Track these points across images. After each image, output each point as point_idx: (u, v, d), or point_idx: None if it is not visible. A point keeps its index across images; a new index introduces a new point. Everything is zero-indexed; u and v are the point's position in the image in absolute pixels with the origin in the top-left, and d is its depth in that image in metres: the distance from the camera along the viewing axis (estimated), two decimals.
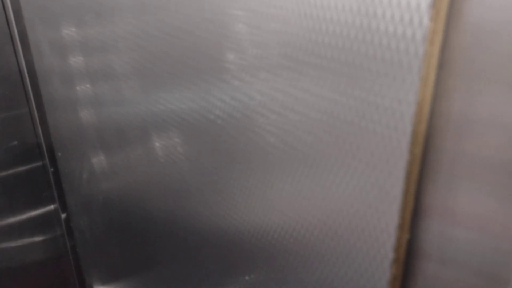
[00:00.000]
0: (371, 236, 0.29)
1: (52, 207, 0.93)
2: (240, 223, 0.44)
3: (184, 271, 0.60)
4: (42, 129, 0.84)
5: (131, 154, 0.60)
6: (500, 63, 0.22)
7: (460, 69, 0.23)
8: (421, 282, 0.29)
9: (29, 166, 0.88)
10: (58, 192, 0.90)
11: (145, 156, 0.57)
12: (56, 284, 0.98)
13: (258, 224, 0.41)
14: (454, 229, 0.27)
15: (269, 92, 0.34)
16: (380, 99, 0.25)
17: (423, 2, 0.22)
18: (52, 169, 0.88)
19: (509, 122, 0.23)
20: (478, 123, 0.24)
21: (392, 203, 0.27)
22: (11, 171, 0.86)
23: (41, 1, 0.66)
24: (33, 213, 0.91)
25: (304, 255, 0.35)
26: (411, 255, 0.29)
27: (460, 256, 0.27)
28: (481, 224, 0.26)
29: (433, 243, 0.28)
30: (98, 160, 0.69)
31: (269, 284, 0.43)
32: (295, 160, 0.34)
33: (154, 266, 0.68)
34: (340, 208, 0.31)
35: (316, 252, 0.34)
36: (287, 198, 0.36)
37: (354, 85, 0.27)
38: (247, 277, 0.47)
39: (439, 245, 0.28)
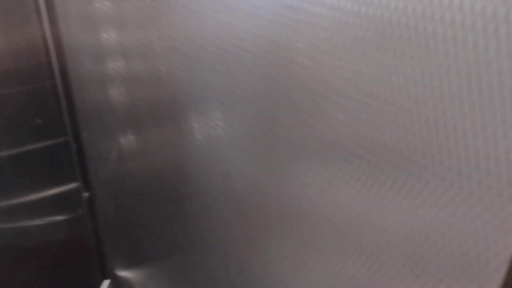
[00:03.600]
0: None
1: (74, 185, 0.90)
2: (290, 216, 0.40)
3: (212, 260, 0.57)
4: (68, 107, 0.81)
5: (164, 136, 0.56)
6: None
7: None
8: None
9: (52, 143, 0.84)
10: (81, 171, 0.87)
11: (180, 138, 0.53)
12: (77, 266, 0.96)
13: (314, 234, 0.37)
14: None
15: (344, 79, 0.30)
16: None
17: None
18: (75, 146, 0.84)
19: None
20: None
21: None
22: (33, 148, 0.83)
23: None
24: (55, 191, 0.89)
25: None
26: None
27: None
28: None
29: None
30: (127, 142, 0.66)
31: None
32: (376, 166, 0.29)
33: (180, 254, 0.65)
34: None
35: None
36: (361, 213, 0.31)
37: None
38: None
39: None
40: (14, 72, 0.76)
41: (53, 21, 0.72)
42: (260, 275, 0.47)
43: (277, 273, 0.44)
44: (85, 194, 0.90)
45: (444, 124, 0.24)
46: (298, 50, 0.32)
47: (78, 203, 0.91)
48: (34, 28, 0.74)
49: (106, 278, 0.96)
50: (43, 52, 0.77)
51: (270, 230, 0.43)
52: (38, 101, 0.80)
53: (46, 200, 0.88)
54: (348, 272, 0.35)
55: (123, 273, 0.88)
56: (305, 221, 0.38)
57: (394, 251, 0.30)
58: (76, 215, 0.92)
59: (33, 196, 0.87)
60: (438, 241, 0.27)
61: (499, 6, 0.20)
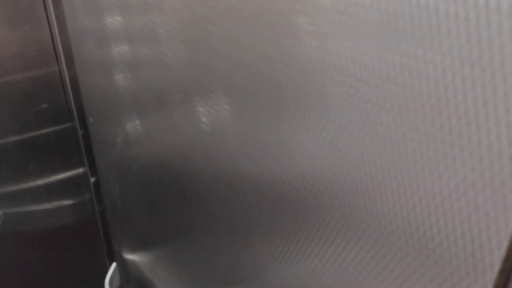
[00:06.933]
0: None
1: (81, 170, 0.90)
2: (295, 199, 0.40)
3: (217, 242, 0.57)
4: (73, 92, 0.81)
5: (169, 121, 0.56)
6: None
7: None
8: None
9: (58, 128, 0.85)
10: (87, 156, 0.87)
11: (185, 123, 0.53)
12: (84, 250, 0.97)
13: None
14: None
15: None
16: None
17: None
18: (82, 132, 0.85)
19: None
20: None
21: None
22: (40, 133, 0.83)
23: None
24: (62, 175, 0.89)
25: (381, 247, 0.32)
26: None
27: None
28: None
29: None
30: (133, 126, 0.66)
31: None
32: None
33: (186, 238, 0.66)
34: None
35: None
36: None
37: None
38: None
39: None
40: (19, 58, 0.76)
41: (57, 5, 0.72)
42: (264, 255, 0.48)
43: (281, 252, 0.45)
44: (92, 179, 0.90)
45: (455, 103, 0.25)
46: (302, 30, 0.32)
47: (85, 187, 0.92)
48: (39, 13, 0.75)
49: (114, 261, 0.97)
50: (48, 37, 0.77)
51: (273, 211, 0.44)
52: (44, 86, 0.81)
53: (53, 185, 0.89)
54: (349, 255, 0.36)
55: (130, 256, 0.89)
56: (308, 201, 0.38)
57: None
58: (83, 200, 0.93)
59: (40, 181, 0.88)
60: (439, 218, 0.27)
61: None
